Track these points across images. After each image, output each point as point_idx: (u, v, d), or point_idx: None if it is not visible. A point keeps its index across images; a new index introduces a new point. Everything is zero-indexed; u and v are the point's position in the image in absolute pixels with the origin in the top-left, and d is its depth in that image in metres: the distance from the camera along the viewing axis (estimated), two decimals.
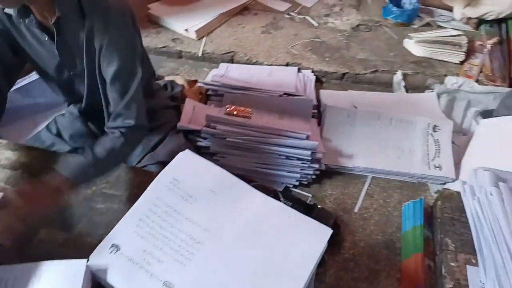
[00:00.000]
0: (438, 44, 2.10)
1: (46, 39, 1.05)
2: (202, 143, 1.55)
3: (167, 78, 1.67)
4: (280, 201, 0.86)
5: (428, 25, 2.36)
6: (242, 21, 2.45)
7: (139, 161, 1.28)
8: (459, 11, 2.33)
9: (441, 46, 2.09)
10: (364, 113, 1.75)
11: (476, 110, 1.79)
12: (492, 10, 2.23)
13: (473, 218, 1.02)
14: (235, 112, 1.64)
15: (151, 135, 1.31)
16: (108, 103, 1.11)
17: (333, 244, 1.31)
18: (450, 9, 2.40)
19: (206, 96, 1.86)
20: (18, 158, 1.08)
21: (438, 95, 1.91)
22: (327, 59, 2.16)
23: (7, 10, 1.00)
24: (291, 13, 2.51)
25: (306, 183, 1.56)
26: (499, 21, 2.29)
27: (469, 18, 2.31)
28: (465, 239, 1.02)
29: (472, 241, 1.00)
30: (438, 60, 2.10)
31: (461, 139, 1.68)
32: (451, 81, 1.94)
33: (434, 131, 1.66)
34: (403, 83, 2.01)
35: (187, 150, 0.93)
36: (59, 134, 1.34)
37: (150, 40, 2.26)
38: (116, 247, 0.78)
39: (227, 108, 1.65)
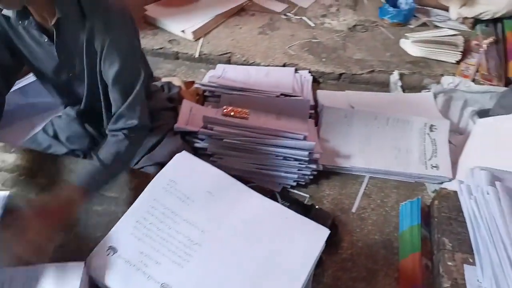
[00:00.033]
0: (435, 44, 2.10)
1: (45, 40, 1.04)
2: (199, 144, 1.55)
3: (164, 80, 1.67)
4: (278, 202, 0.86)
5: (424, 25, 2.37)
6: (239, 22, 2.45)
7: (137, 163, 1.28)
8: (455, 11, 2.34)
9: (437, 46, 2.10)
10: (361, 113, 1.75)
11: (472, 109, 1.80)
12: (488, 9, 2.24)
13: (470, 217, 1.03)
14: (232, 113, 1.64)
15: (149, 136, 1.31)
16: (108, 104, 1.10)
17: (331, 244, 1.32)
18: (446, 9, 2.40)
19: (203, 97, 1.86)
20: (14, 161, 1.08)
21: (435, 95, 1.91)
22: (324, 59, 2.16)
23: (5, 12, 1.00)
24: (288, 14, 2.51)
25: (303, 183, 1.56)
26: (495, 21, 2.30)
27: (465, 18, 2.32)
28: (462, 238, 1.02)
29: (469, 240, 1.01)
30: (434, 60, 2.11)
31: (457, 138, 1.69)
32: (447, 81, 1.95)
33: (431, 130, 1.67)
34: (399, 83, 2.01)
35: (184, 152, 0.93)
36: (56, 136, 1.33)
37: (146, 41, 2.26)
38: (113, 249, 0.78)
39: (224, 109, 1.65)
